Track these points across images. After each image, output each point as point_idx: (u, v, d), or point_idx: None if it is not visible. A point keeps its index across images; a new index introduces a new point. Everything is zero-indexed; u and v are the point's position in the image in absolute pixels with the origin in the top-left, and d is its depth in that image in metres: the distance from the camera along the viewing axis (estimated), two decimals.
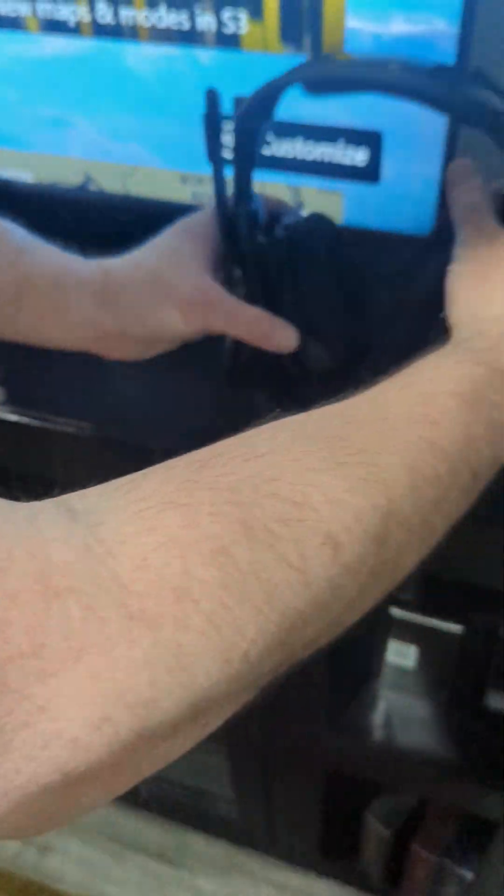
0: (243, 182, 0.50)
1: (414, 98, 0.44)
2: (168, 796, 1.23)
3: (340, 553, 0.28)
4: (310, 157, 0.61)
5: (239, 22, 0.56)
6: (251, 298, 0.52)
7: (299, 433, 0.31)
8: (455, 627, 0.78)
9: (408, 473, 0.31)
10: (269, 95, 0.45)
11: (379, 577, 0.31)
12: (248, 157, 0.49)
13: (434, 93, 0.42)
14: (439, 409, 0.34)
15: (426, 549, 0.34)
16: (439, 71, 0.45)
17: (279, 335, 0.50)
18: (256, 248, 0.51)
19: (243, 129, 0.47)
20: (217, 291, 0.50)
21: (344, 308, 0.52)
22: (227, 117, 0.62)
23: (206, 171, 0.63)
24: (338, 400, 0.35)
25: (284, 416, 0.33)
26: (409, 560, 0.33)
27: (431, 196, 0.60)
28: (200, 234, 0.52)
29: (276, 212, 0.55)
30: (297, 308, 0.51)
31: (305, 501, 0.28)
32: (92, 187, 0.70)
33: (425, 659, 0.84)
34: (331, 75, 0.44)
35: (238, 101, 0.47)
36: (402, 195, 0.61)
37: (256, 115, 0.46)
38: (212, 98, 0.48)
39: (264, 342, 0.50)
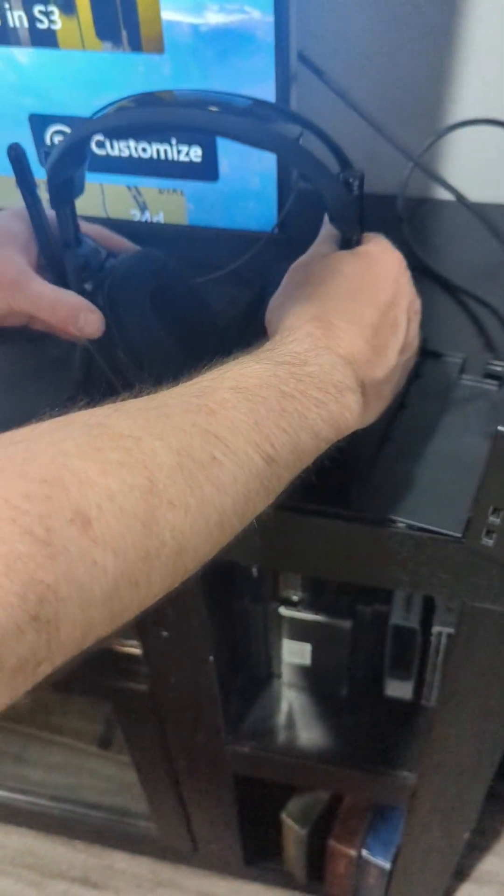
0: (66, 230, 0.48)
1: (227, 138, 0.43)
2: (87, 819, 1.19)
3: (91, 529, 0.28)
4: (146, 156, 0.59)
5: (51, 17, 0.53)
6: (95, 346, 0.51)
7: (62, 423, 0.31)
8: (344, 622, 0.78)
9: (174, 456, 0.31)
10: (76, 145, 0.44)
11: (159, 558, 0.30)
12: (68, 207, 0.48)
13: (242, 136, 0.42)
14: (217, 400, 0.35)
15: (223, 533, 0.34)
16: (254, 107, 0.45)
17: (82, 319, 0.48)
18: (84, 293, 0.50)
19: (56, 183, 0.46)
20: (24, 272, 0.48)
21: (175, 342, 0.51)
22: (57, 117, 0.59)
23: (41, 174, 0.60)
24: None
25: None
26: (200, 542, 0.32)
27: (271, 192, 0.59)
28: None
29: (110, 250, 0.53)
30: (128, 347, 0.50)
31: (55, 481, 0.28)
32: None
33: (320, 655, 0.83)
34: (135, 123, 0.43)
35: (46, 154, 0.45)
36: (242, 192, 0.59)
37: (67, 166, 0.45)
38: (16, 153, 0.46)
39: (67, 325, 0.49)
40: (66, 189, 0.47)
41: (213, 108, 0.43)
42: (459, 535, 0.51)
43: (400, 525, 0.52)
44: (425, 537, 0.52)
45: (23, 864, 1.27)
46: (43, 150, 0.59)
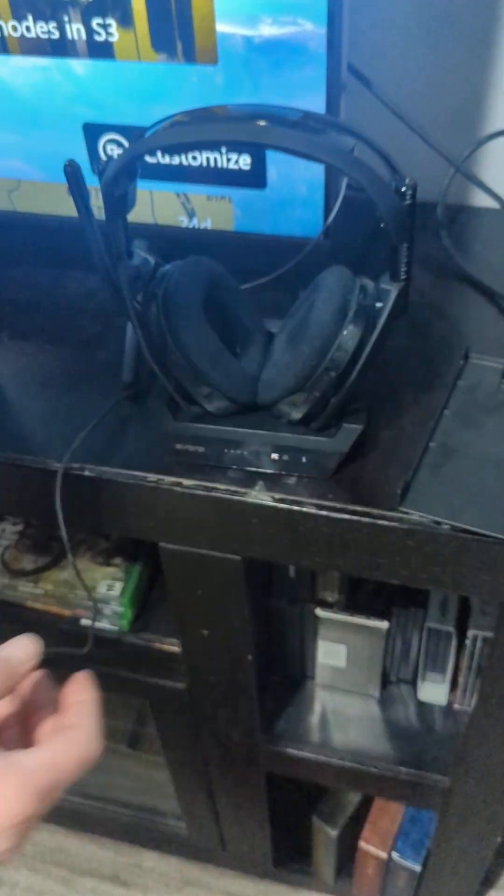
0: (119, 243, 0.50)
1: (282, 152, 0.45)
2: (116, 817, 1.21)
3: None
4: (195, 164, 0.61)
5: (109, 29, 0.55)
6: (149, 351, 0.52)
7: None
8: (381, 623, 0.79)
9: None
10: (131, 161, 0.46)
11: None
12: (121, 220, 0.49)
13: (298, 150, 0.43)
14: None
15: None
16: (307, 120, 0.46)
17: None
18: (135, 306, 0.52)
19: (111, 198, 0.47)
20: None
21: (226, 346, 0.53)
22: (106, 126, 0.61)
23: (93, 182, 0.62)
24: None
25: None
26: None
27: (318, 199, 0.60)
28: None
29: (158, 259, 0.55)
30: (181, 351, 0.51)
31: None
32: None
33: (355, 657, 0.84)
34: (191, 140, 0.45)
35: (101, 170, 0.47)
36: (289, 199, 0.60)
37: (122, 181, 0.47)
38: (72, 169, 0.48)
39: None
40: (120, 203, 0.49)
41: (267, 123, 0.44)
42: None
43: (444, 527, 0.53)
44: (469, 539, 0.53)
45: (53, 861, 1.29)
46: (97, 163, 0.61)
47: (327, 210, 0.60)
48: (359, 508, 0.55)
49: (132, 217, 0.51)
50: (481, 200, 0.79)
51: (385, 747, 0.86)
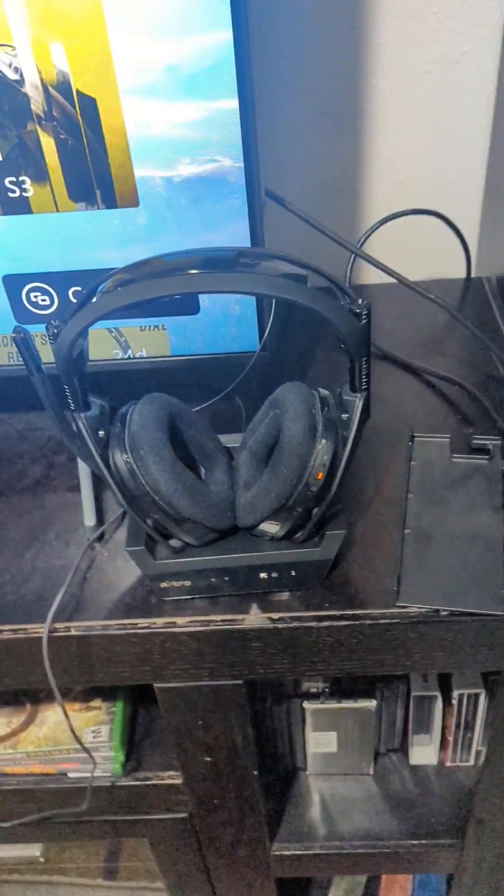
0: (77, 397, 0.50)
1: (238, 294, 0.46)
2: None
3: None
4: None
5: (23, 186, 0.54)
6: (122, 496, 0.51)
7: None
8: (369, 703, 0.79)
9: None
10: (84, 329, 0.46)
11: None
12: (78, 377, 0.49)
13: (249, 291, 0.44)
14: None
15: None
16: (243, 257, 0.47)
17: None
18: (102, 452, 0.51)
19: (68, 359, 0.47)
20: None
21: (196, 475, 0.53)
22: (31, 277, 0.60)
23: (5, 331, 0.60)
24: None
25: None
26: None
27: (251, 315, 0.61)
28: None
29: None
30: (155, 488, 0.51)
31: None
32: None
33: (346, 740, 0.83)
34: (136, 301, 0.45)
35: (52, 335, 0.46)
36: (222, 319, 0.61)
37: (77, 342, 0.47)
38: (22, 339, 0.47)
39: None
40: (78, 361, 0.48)
41: (205, 270, 0.46)
42: (502, 613, 0.53)
43: (444, 613, 0.54)
44: (469, 621, 0.54)
45: None
46: (22, 311, 0.60)
47: (261, 323, 0.61)
48: (359, 612, 0.55)
49: None
50: (381, 278, 0.83)
51: (390, 822, 0.86)
